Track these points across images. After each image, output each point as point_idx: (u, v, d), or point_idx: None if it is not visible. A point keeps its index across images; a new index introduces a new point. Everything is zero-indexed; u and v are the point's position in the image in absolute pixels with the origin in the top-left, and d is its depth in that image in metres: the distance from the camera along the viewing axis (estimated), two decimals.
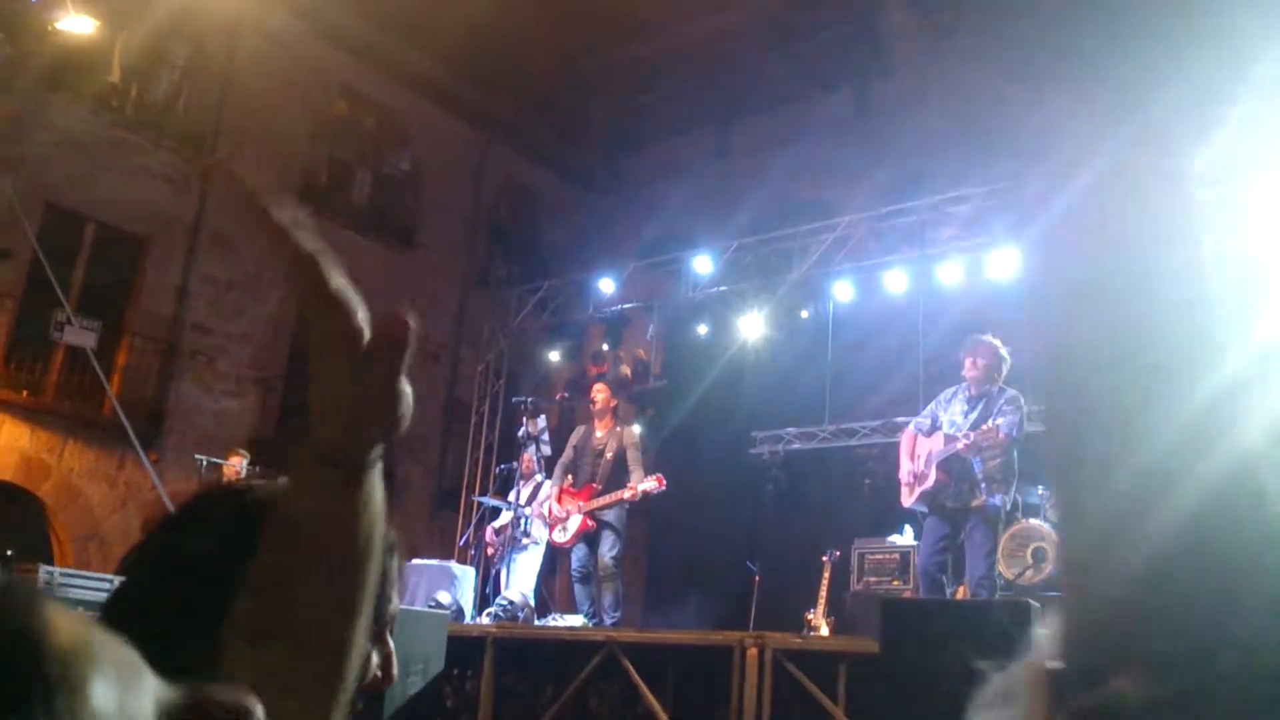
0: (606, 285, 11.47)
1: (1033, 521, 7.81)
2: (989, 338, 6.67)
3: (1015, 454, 6.42)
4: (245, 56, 13.48)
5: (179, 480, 11.09)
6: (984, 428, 6.30)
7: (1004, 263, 9.01)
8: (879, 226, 9.94)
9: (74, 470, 11.59)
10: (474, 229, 16.41)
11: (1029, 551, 7.58)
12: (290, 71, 13.86)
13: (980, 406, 6.52)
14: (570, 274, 12.83)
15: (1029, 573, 7.51)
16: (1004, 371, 6.57)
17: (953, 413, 6.64)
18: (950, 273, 9.36)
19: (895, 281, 9.67)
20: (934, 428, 6.72)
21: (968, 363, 6.61)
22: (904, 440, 6.97)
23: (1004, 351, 6.55)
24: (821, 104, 15.24)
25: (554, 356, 12.02)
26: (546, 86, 16.07)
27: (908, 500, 6.84)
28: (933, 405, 6.88)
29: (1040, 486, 8.11)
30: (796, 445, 10.82)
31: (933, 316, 9.68)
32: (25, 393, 11.26)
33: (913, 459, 6.73)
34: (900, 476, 6.91)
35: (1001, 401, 6.46)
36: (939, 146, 13.37)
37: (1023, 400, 6.50)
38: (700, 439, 11.84)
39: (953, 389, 6.82)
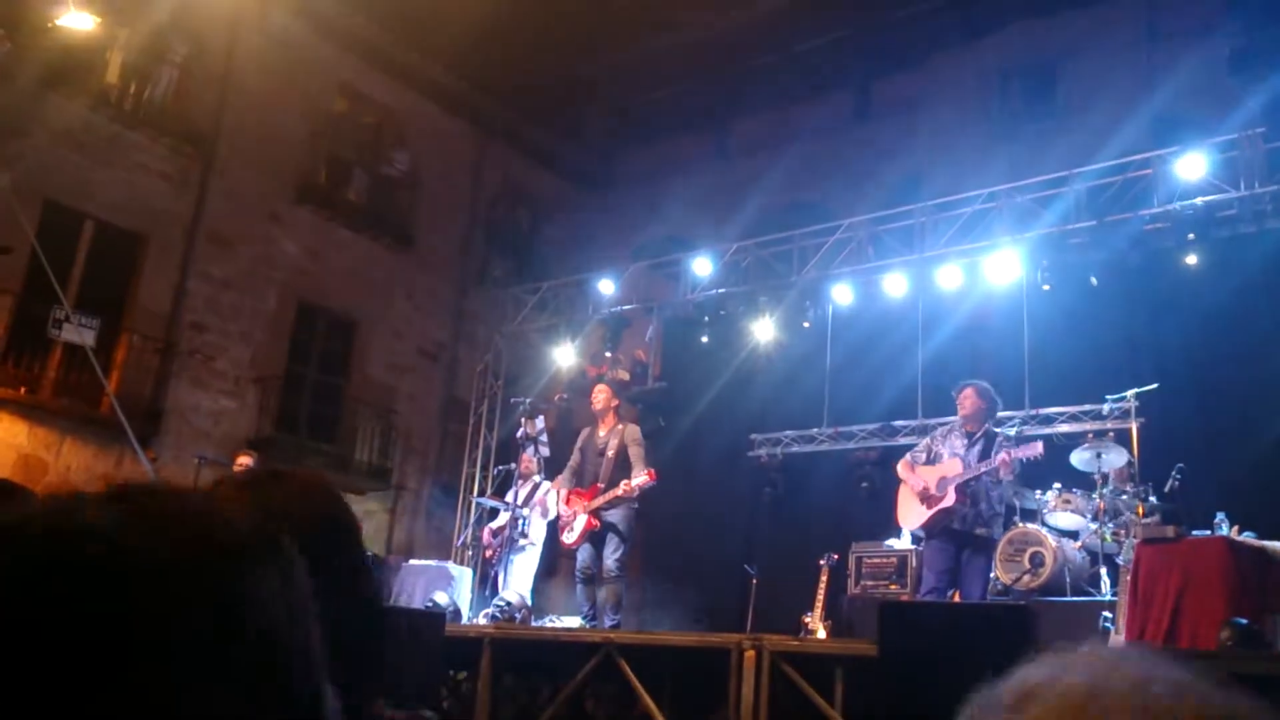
0: (606, 286, 11.47)
1: (1030, 527, 7.82)
2: (984, 384, 7.11)
3: (1003, 487, 6.91)
4: (244, 54, 13.47)
5: (177, 479, 11.07)
6: (1023, 447, 6.68)
7: (1003, 266, 9.02)
8: (878, 230, 9.95)
9: (71, 468, 11.57)
10: (472, 228, 16.41)
11: (1026, 556, 7.59)
12: (289, 70, 13.85)
13: (980, 444, 6.89)
14: (569, 275, 12.83)
15: (1026, 578, 7.52)
16: (996, 414, 7.07)
17: (953, 446, 6.94)
18: (949, 276, 9.36)
19: (894, 285, 9.68)
20: (931, 459, 6.95)
21: (964, 397, 7.02)
22: (902, 468, 7.23)
23: (994, 395, 7.03)
24: (822, 105, 15.25)
25: (553, 357, 12.01)
26: (546, 87, 16.06)
27: (912, 523, 7.06)
28: (928, 441, 7.22)
29: (1038, 491, 8.12)
30: (795, 448, 10.82)
31: (932, 320, 9.69)
32: (23, 390, 11.24)
33: (919, 481, 6.96)
34: (899, 499, 7.11)
35: (999, 439, 6.93)
36: (937, 150, 13.39)
37: (1013, 438, 7.07)
38: (699, 441, 11.84)
39: (947, 427, 7.24)
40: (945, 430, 7.14)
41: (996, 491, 6.83)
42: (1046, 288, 8.91)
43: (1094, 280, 8.63)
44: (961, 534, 6.74)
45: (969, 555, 6.74)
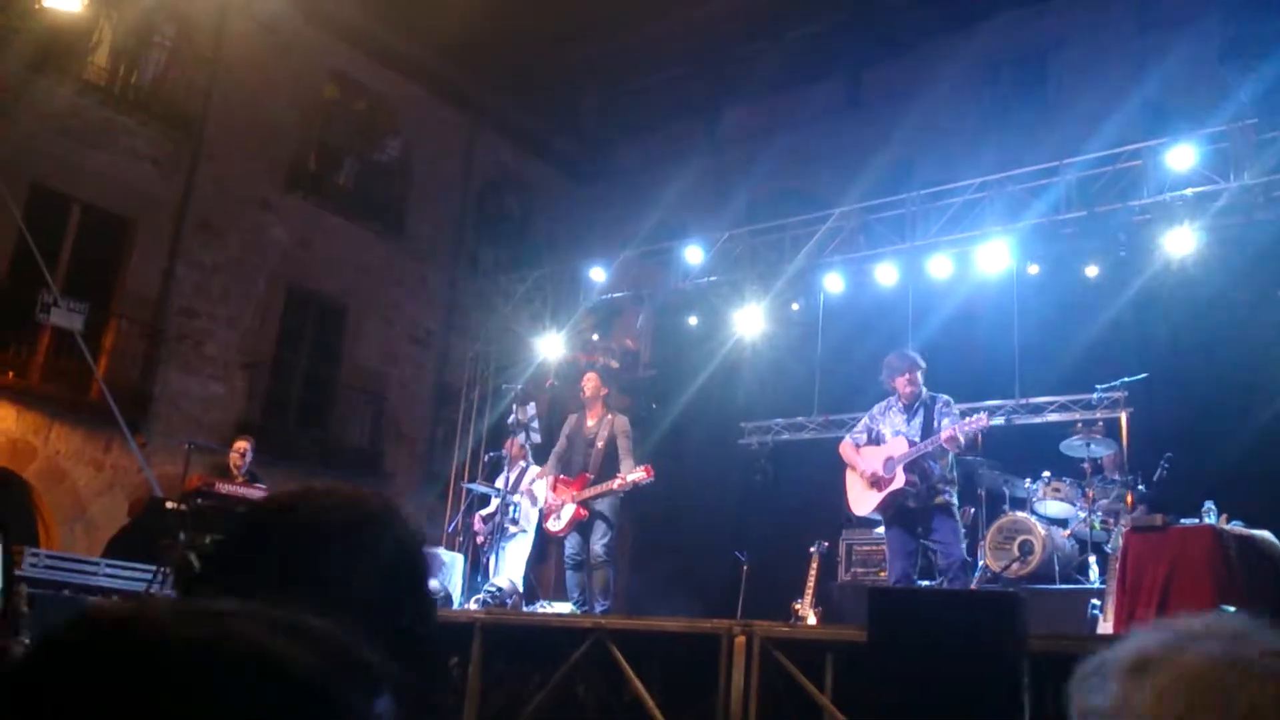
0: (597, 274, 11.46)
1: (1019, 514, 7.87)
2: (911, 352, 7.01)
3: (953, 455, 6.76)
4: (234, 38, 13.38)
5: (166, 464, 11.05)
6: (968, 420, 6.55)
7: (993, 256, 9.04)
8: (869, 219, 9.96)
9: (60, 453, 11.53)
10: (463, 216, 16.37)
11: (1015, 544, 7.64)
12: (279, 55, 13.77)
13: (920, 414, 6.80)
14: (560, 262, 12.81)
15: (1015, 565, 7.57)
16: (923, 376, 6.91)
17: (893, 423, 6.87)
18: (940, 266, 9.38)
19: (885, 274, 9.70)
20: (874, 440, 6.86)
21: (902, 381, 6.84)
22: (845, 451, 7.10)
23: (921, 359, 6.92)
24: (813, 93, 15.24)
25: (544, 345, 12.00)
26: (537, 74, 16.01)
27: (864, 508, 6.94)
28: (866, 420, 7.09)
29: (1027, 479, 8.17)
30: (785, 436, 10.84)
31: (922, 309, 9.71)
32: (11, 374, 11.18)
33: (866, 464, 6.87)
34: (847, 484, 7.01)
35: (939, 406, 6.79)
36: (928, 138, 13.40)
37: (953, 402, 6.86)
38: (689, 429, 11.85)
39: (883, 403, 7.08)
40: (883, 406, 7.00)
41: (948, 458, 6.72)
42: (1034, 270, 8.94)
43: (1094, 270, 8.65)
44: (917, 510, 6.67)
45: (939, 522, 6.63)
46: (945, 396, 6.84)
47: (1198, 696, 0.61)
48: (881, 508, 6.81)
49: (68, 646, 0.51)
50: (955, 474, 6.87)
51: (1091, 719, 0.67)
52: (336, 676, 0.54)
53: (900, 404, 6.87)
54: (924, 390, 6.83)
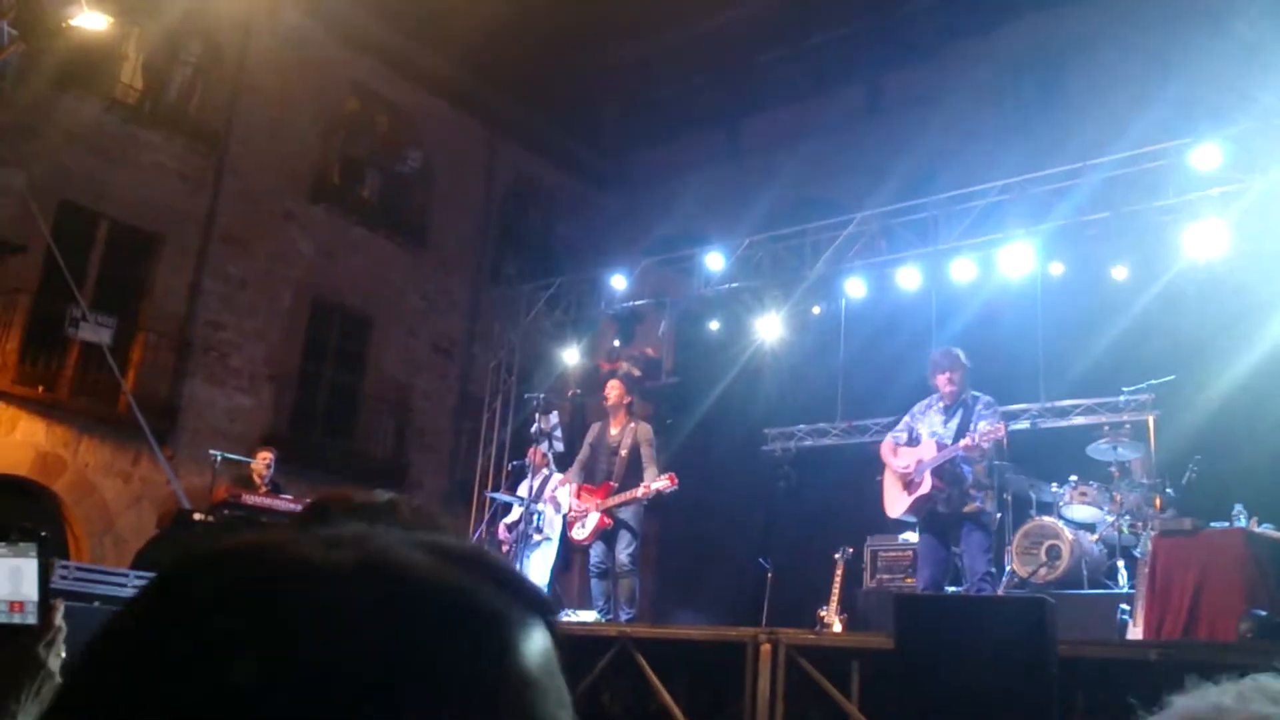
0: (619, 282, 11.47)
1: (1046, 519, 7.80)
2: (955, 351, 6.87)
3: (993, 459, 6.72)
4: (258, 54, 13.52)
5: (193, 476, 11.14)
6: (986, 428, 6.45)
7: (1016, 259, 8.99)
8: (891, 223, 9.92)
9: (89, 465, 11.65)
10: (485, 226, 16.44)
11: (1043, 549, 7.57)
12: (302, 69, 13.90)
13: (959, 415, 6.71)
14: (582, 271, 12.84)
15: (1043, 570, 7.50)
16: (968, 376, 6.79)
17: (931, 424, 6.79)
18: (963, 269, 9.33)
19: (908, 278, 9.65)
20: (912, 439, 6.82)
21: (943, 379, 6.75)
22: (884, 450, 7.07)
23: (965, 359, 6.78)
24: (834, 100, 15.21)
25: (566, 353, 12.02)
26: (558, 84, 16.07)
27: (897, 510, 6.90)
28: (907, 419, 7.03)
29: (1054, 483, 8.10)
30: (808, 442, 10.80)
31: (945, 313, 9.66)
32: (40, 388, 11.32)
33: (900, 465, 6.84)
34: (884, 485, 6.98)
35: (979, 407, 6.69)
36: (949, 143, 13.34)
37: (996, 404, 6.76)
38: (712, 436, 11.84)
39: (925, 401, 6.99)
40: (924, 405, 6.92)
41: (983, 463, 6.63)
42: (1058, 269, 8.87)
43: (1119, 271, 8.58)
44: (948, 516, 6.60)
45: (966, 531, 6.57)
46: (987, 398, 6.74)
47: None
48: (911, 511, 6.79)
49: (219, 573, 0.48)
50: (993, 479, 6.81)
51: None
52: (490, 593, 0.51)
53: (941, 404, 6.79)
54: (967, 391, 6.75)
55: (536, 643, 0.53)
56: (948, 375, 6.71)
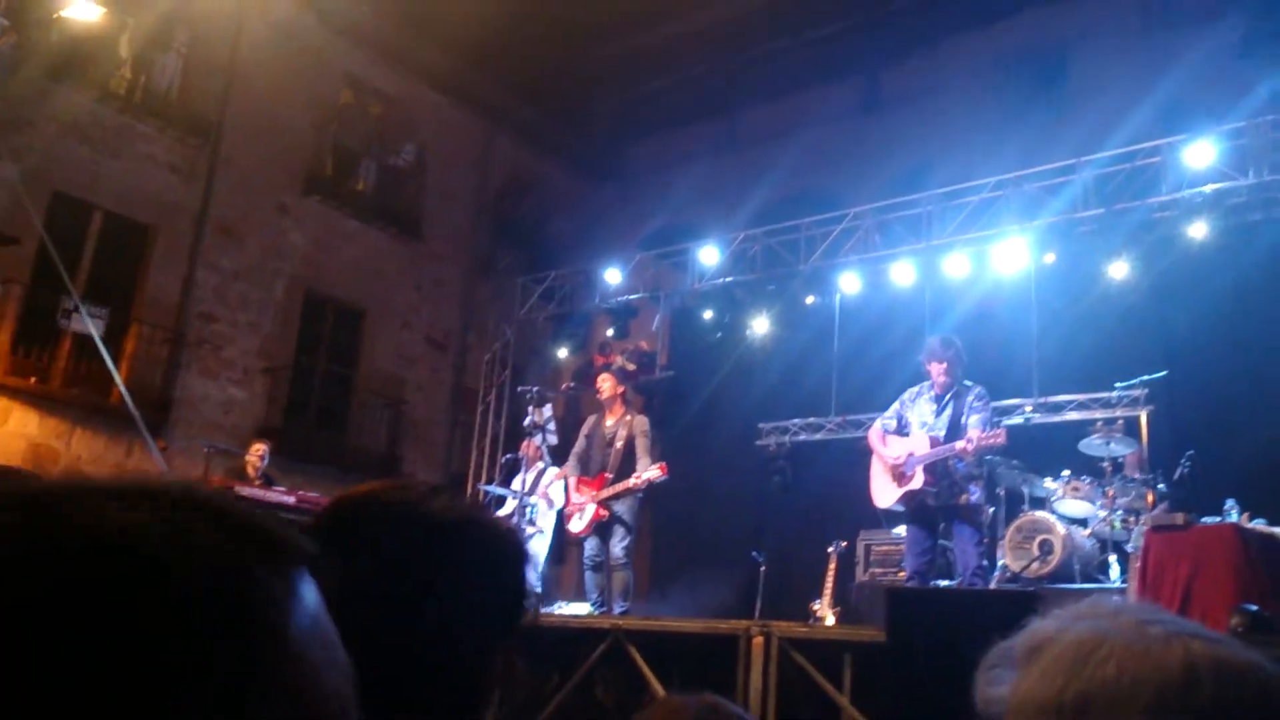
0: (613, 275, 11.46)
1: (1039, 514, 7.81)
2: (954, 339, 6.81)
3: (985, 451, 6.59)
4: (250, 45, 13.47)
5: (187, 468, 11.12)
6: (985, 434, 6.36)
7: (1010, 254, 9.00)
8: (886, 218, 9.93)
9: (82, 457, 11.62)
10: (479, 218, 16.41)
11: (1035, 544, 7.58)
12: (295, 60, 13.85)
13: (950, 405, 6.66)
14: (576, 264, 12.83)
15: (1035, 565, 7.52)
16: (963, 364, 6.72)
17: (921, 413, 6.74)
18: (957, 265, 9.35)
19: (902, 274, 9.66)
20: (901, 428, 6.79)
21: (937, 368, 6.69)
22: (873, 436, 7.00)
23: (961, 349, 6.71)
24: (829, 94, 15.19)
25: (560, 347, 12.02)
26: (552, 76, 16.04)
27: (885, 500, 6.86)
28: (897, 406, 6.98)
29: (1046, 478, 8.11)
30: (803, 436, 10.82)
31: (939, 309, 9.67)
32: (33, 380, 11.28)
33: (890, 456, 6.80)
34: (872, 472, 6.94)
35: (970, 398, 6.63)
36: (946, 138, 13.35)
37: (988, 395, 6.70)
38: (707, 430, 11.85)
39: (916, 389, 6.93)
40: (915, 392, 6.86)
41: (971, 457, 6.56)
42: (1050, 258, 8.84)
43: (1112, 268, 8.57)
44: (937, 509, 6.60)
45: (956, 526, 6.57)
46: (979, 389, 6.67)
47: (1070, 668, 0.69)
48: (902, 502, 6.78)
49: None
50: (983, 469, 6.78)
51: (995, 708, 0.73)
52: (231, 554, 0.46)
53: (933, 391, 6.73)
54: (959, 381, 6.69)
55: (300, 605, 0.47)
56: (943, 365, 6.66)
